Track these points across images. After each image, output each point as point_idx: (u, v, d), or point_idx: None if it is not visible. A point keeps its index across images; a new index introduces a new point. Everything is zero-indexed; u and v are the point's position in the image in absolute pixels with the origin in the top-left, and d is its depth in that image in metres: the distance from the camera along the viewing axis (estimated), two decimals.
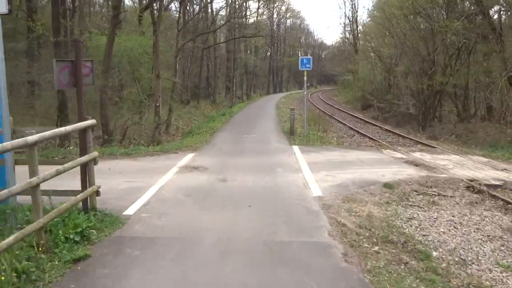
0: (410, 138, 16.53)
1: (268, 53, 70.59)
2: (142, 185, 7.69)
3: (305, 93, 16.44)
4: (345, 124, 21.46)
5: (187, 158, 10.78)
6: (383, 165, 9.88)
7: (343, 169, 9.31)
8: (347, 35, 62.90)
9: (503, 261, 4.76)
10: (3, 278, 3.57)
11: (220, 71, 41.85)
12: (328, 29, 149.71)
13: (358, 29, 51.95)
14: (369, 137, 16.41)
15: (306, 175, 8.66)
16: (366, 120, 24.67)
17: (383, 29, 30.61)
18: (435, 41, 23.10)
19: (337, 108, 34.24)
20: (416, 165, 9.89)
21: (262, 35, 40.43)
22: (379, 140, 15.23)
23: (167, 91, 22.90)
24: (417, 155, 11.54)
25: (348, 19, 59.07)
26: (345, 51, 65.94)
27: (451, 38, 20.30)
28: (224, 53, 44.91)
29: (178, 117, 28.13)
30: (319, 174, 8.76)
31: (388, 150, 12.32)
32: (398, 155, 11.44)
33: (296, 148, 12.44)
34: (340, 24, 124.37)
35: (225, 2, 38.67)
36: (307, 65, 15.40)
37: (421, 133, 22.22)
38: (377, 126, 21.34)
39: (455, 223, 5.93)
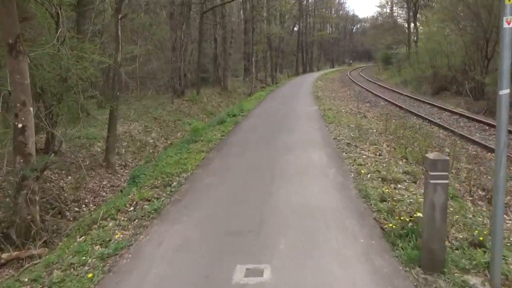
0: None
1: (296, 28, 57.43)
2: None
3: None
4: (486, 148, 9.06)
5: None
6: None
7: None
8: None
9: None
10: None
11: (232, 47, 29.62)
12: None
13: None
14: None
15: None
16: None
17: None
18: None
19: (408, 96, 21.53)
20: None
21: None
22: None
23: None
24: None
25: None
26: (389, 20, 52.14)
27: None
28: (237, 22, 32.73)
29: (155, 121, 16.35)
30: None
31: None
32: None
33: None
34: None
35: None
36: None
37: None
38: None
39: None
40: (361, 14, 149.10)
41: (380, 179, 6.24)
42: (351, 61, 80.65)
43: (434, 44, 26.53)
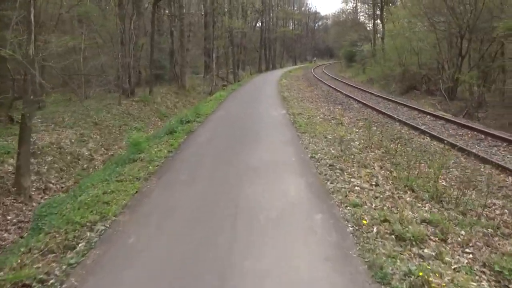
0: None
1: (259, 24, 55.27)
2: None
3: None
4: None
5: None
6: None
7: None
8: None
9: None
10: None
11: (191, 41, 27.02)
12: None
13: None
14: None
15: None
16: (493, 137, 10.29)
17: None
18: None
19: (380, 96, 19.77)
20: None
21: None
22: None
23: None
24: None
25: None
26: (353, 16, 50.98)
27: None
28: (197, 15, 30.11)
29: (94, 127, 13.66)
30: None
31: None
32: None
33: None
34: None
35: None
36: None
37: None
38: None
39: None
40: (323, 11, 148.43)
41: (393, 236, 4.11)
42: (315, 59, 79.94)
43: (403, 40, 25.12)
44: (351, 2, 52.90)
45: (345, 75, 43.97)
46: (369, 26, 47.77)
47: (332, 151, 7.93)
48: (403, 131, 11.01)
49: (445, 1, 18.32)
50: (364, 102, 16.78)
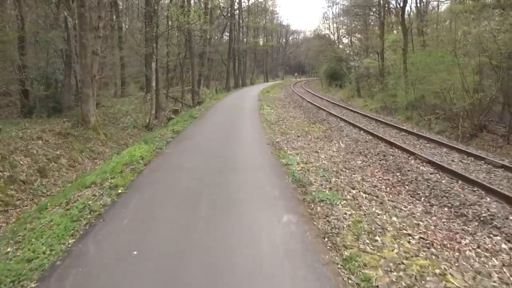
0: None
1: (227, 34, 44.05)
2: None
3: None
4: None
5: None
6: None
7: None
8: None
9: None
10: None
11: (109, 40, 15.14)
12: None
13: None
14: None
15: None
16: None
17: None
18: None
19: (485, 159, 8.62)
20: None
21: None
22: None
23: None
24: None
25: None
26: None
27: None
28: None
29: None
30: None
31: None
32: None
33: None
34: None
35: None
36: None
37: None
38: None
39: None
40: (293, 27, 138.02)
41: None
42: (296, 74, 71.67)
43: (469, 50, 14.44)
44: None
45: (334, 96, 33.39)
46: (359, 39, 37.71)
47: None
48: None
49: None
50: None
